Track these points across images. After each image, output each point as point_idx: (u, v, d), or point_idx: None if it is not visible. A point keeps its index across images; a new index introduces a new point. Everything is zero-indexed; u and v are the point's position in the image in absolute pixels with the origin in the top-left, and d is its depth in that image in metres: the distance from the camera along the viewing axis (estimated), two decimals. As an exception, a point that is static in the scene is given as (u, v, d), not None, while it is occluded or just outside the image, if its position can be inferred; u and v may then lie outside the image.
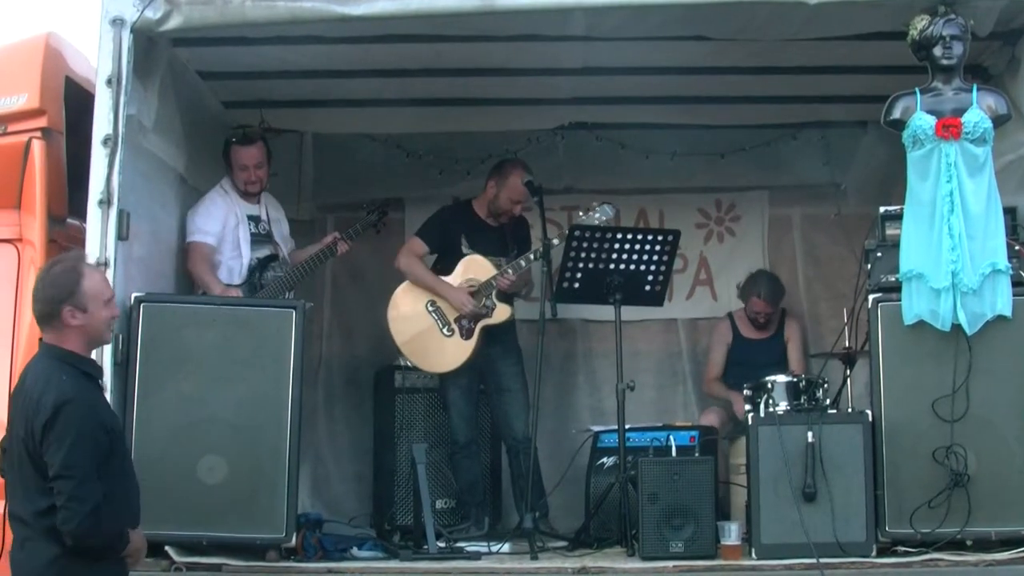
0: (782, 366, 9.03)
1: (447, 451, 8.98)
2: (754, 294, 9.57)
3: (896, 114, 7.06)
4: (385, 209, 9.02)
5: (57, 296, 5.53)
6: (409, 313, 8.75)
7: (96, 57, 7.05)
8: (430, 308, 8.69)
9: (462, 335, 8.65)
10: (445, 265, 8.82)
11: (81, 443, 5.33)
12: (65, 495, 5.29)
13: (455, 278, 8.70)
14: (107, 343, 5.99)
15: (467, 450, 8.87)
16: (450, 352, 8.70)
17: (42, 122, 7.53)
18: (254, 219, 8.36)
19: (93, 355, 5.73)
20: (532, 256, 8.52)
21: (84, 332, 5.57)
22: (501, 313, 8.66)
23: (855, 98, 9.06)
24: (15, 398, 5.58)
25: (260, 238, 8.36)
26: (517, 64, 8.52)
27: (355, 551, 7.61)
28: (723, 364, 9.72)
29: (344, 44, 7.92)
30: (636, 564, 7.00)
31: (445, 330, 8.67)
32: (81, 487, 5.28)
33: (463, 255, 8.74)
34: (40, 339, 5.65)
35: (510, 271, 8.58)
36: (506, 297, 8.70)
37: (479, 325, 8.63)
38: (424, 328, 8.69)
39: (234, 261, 8.20)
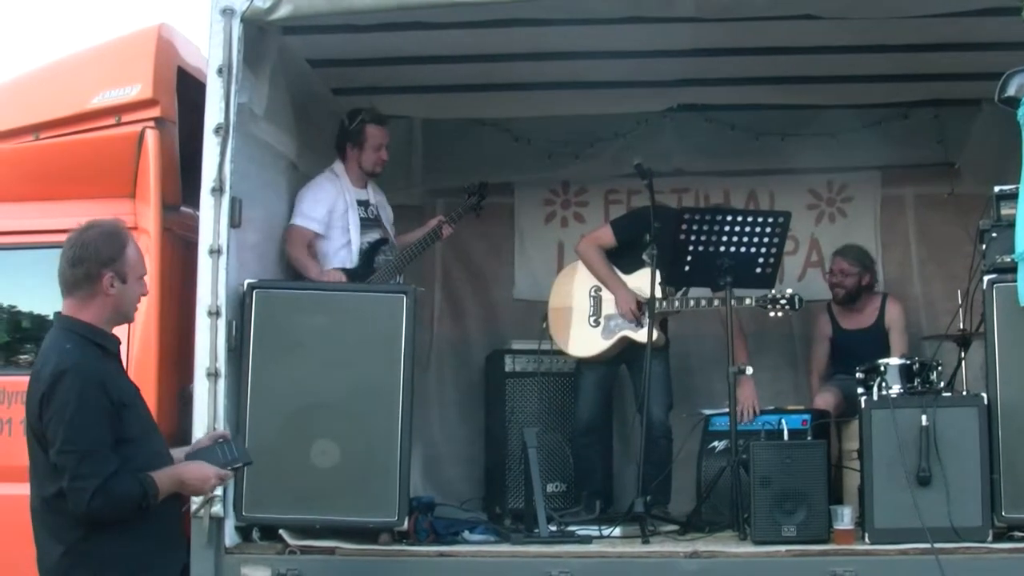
0: (886, 354, 8.73)
1: (560, 435, 9.01)
2: (837, 254, 9.44)
3: (1010, 91, 6.92)
4: (484, 192, 8.98)
5: (103, 258, 5.03)
6: (573, 287, 8.84)
7: (207, 47, 7.14)
8: (593, 294, 8.74)
9: (603, 333, 8.67)
10: (615, 259, 8.78)
11: (83, 413, 4.78)
12: (69, 473, 4.76)
13: (628, 280, 8.68)
14: (130, 321, 5.42)
15: (587, 437, 8.86)
16: (583, 341, 8.73)
17: (155, 112, 7.62)
18: (363, 203, 8.39)
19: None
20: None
21: (113, 304, 5.08)
22: (646, 334, 8.37)
23: (968, 76, 8.89)
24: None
25: (369, 222, 8.38)
26: (625, 46, 8.46)
27: (467, 535, 7.62)
28: (826, 359, 9.55)
29: (452, 30, 7.93)
30: (748, 548, 6.97)
31: (592, 320, 8.70)
32: (85, 462, 4.74)
33: (640, 260, 8.63)
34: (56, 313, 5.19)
35: (672, 305, 8.49)
36: (661, 323, 8.56)
37: (621, 333, 8.61)
38: (576, 307, 8.76)
39: (344, 247, 8.21)
